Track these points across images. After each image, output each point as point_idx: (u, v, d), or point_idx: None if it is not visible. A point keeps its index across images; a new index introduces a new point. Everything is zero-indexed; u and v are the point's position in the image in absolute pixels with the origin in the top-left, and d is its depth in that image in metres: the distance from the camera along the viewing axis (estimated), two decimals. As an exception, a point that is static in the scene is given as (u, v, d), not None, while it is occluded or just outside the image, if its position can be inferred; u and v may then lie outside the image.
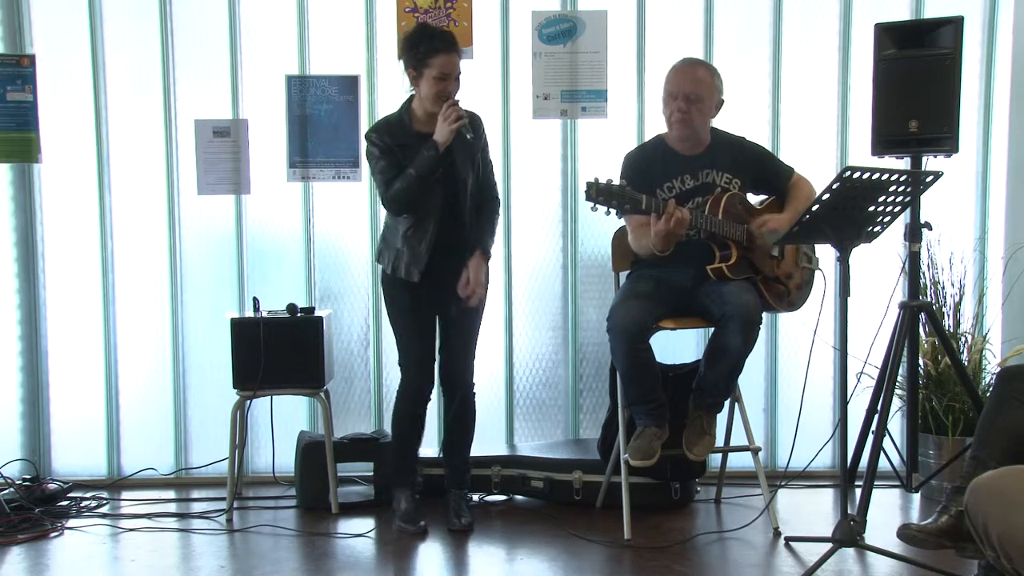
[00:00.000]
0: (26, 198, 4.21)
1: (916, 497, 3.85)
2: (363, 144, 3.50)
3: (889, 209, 3.03)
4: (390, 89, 4.03)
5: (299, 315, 3.81)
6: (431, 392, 3.56)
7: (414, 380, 3.54)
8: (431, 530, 3.53)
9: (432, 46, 3.30)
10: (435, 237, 3.38)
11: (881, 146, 3.41)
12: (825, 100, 4.23)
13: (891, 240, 3.54)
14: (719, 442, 3.59)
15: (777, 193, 3.61)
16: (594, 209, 3.13)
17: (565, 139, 4.24)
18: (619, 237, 3.67)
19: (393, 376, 3.80)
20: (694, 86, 3.42)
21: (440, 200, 3.38)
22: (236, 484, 3.87)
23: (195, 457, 4.28)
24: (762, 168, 3.60)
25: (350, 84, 4.17)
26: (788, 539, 3.36)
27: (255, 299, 3.87)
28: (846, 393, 3.13)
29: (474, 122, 3.45)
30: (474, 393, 3.61)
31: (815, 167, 3.85)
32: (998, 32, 4.18)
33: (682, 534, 3.46)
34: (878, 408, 3.37)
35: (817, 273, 3.63)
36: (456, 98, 3.33)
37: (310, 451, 3.83)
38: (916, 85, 3.31)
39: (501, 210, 4.16)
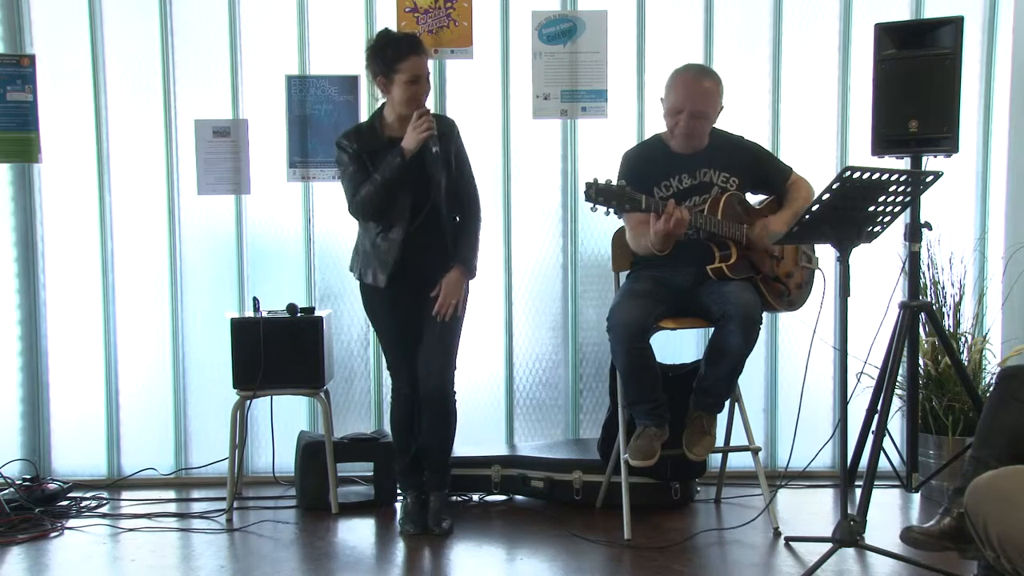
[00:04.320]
0: (26, 198, 4.21)
1: (916, 497, 3.85)
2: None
3: (889, 209, 3.03)
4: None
5: (299, 315, 3.81)
6: (421, 392, 3.55)
7: (403, 387, 3.55)
8: (428, 531, 3.52)
9: (399, 50, 3.30)
10: (403, 242, 3.37)
11: (881, 146, 3.41)
12: (825, 100, 4.23)
13: (891, 240, 3.54)
14: (719, 442, 3.59)
15: (775, 192, 3.61)
16: (594, 209, 3.13)
17: (565, 139, 4.25)
18: (619, 237, 3.67)
19: (393, 376, 3.80)
20: (701, 103, 3.41)
21: (408, 205, 3.36)
22: (236, 484, 3.87)
23: (195, 457, 4.28)
24: (760, 167, 3.60)
25: (350, 84, 4.17)
26: (788, 539, 3.36)
27: (255, 299, 3.87)
28: (846, 393, 3.13)
29: (447, 127, 3.45)
30: (455, 401, 3.56)
31: (815, 167, 3.85)
32: (998, 32, 4.18)
33: (682, 534, 3.46)
34: (878, 408, 3.37)
35: (817, 273, 3.63)
36: (427, 106, 3.32)
37: (310, 451, 3.83)
38: (916, 85, 3.31)
39: (500, 210, 4.21)
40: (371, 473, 3.93)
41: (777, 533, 3.43)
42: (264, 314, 3.82)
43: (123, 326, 4.26)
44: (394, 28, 4.07)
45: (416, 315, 3.47)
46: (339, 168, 3.45)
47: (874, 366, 3.52)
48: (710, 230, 3.34)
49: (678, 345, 4.06)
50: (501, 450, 4.06)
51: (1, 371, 4.23)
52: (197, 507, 3.86)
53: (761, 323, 3.34)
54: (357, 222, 3.51)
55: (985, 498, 2.27)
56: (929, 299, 3.89)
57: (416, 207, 3.38)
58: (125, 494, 4.08)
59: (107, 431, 4.27)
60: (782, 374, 4.28)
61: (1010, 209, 4.24)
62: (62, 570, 3.24)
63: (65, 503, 3.84)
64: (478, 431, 4.24)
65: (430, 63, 3.50)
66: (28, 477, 3.91)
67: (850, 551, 3.15)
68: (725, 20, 4.21)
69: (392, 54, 3.31)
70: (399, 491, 3.75)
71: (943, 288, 4.00)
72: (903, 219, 3.32)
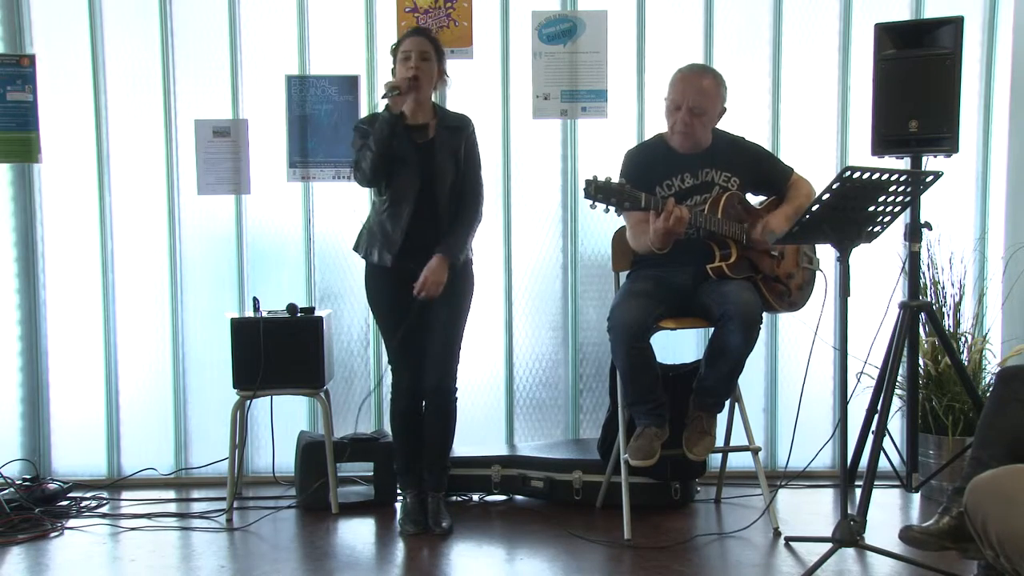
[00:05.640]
0: (26, 198, 4.21)
1: (916, 497, 3.85)
2: None
3: (889, 209, 3.03)
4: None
5: (299, 315, 3.81)
6: (422, 389, 3.56)
7: (403, 380, 3.55)
8: (428, 531, 3.52)
9: (404, 34, 3.52)
10: (409, 223, 3.40)
11: (881, 146, 3.41)
12: (825, 100, 4.23)
13: (891, 240, 3.54)
14: (719, 442, 3.59)
15: (776, 193, 3.61)
16: (593, 207, 3.13)
17: (565, 139, 4.25)
18: (619, 237, 3.67)
19: (393, 376, 3.80)
20: (699, 98, 3.41)
21: (416, 186, 3.40)
22: (236, 484, 3.87)
23: (195, 457, 4.28)
24: (761, 167, 3.60)
25: (350, 84, 4.17)
26: (788, 539, 3.36)
27: (255, 299, 3.87)
28: (846, 393, 3.13)
29: (461, 123, 3.51)
30: (456, 399, 3.57)
31: (815, 167, 3.85)
32: (998, 32, 4.19)
33: (682, 534, 3.46)
34: (878, 408, 3.38)
35: (818, 273, 3.63)
36: (415, 72, 3.36)
37: (310, 451, 3.83)
38: (916, 85, 3.31)
39: (500, 210, 4.21)
40: (371, 473, 3.93)
41: (777, 533, 3.43)
42: (264, 314, 3.81)
43: (123, 326, 4.26)
44: (394, 28, 4.11)
45: (417, 309, 3.47)
46: (352, 148, 3.48)
47: (874, 366, 3.52)
48: (710, 229, 3.34)
49: (678, 345, 4.06)
50: (501, 450, 4.06)
51: (1, 371, 4.23)
52: (197, 507, 3.86)
53: (761, 323, 3.34)
54: (369, 208, 3.56)
55: (985, 497, 2.27)
56: (929, 299, 3.89)
57: (422, 192, 3.41)
58: (125, 494, 4.07)
59: (107, 431, 4.27)
60: (782, 374, 4.28)
61: (1010, 209, 4.24)
62: (62, 570, 3.24)
63: (65, 503, 3.84)
64: (478, 431, 4.24)
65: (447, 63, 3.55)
66: (28, 477, 3.91)
67: (850, 551, 3.15)
68: (725, 20, 4.21)
69: (398, 40, 3.50)
70: (399, 491, 3.75)
71: (943, 288, 4.00)
72: (903, 219, 3.32)
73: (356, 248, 3.59)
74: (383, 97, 3.33)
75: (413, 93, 3.37)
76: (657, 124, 3.71)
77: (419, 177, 3.41)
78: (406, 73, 3.37)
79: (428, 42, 3.44)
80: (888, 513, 3.69)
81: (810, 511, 3.75)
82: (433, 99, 3.56)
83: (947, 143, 3.32)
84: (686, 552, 3.29)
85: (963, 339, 3.97)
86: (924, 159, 3.39)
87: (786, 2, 4.20)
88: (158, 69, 4.18)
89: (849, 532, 2.97)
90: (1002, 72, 4.21)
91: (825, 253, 3.45)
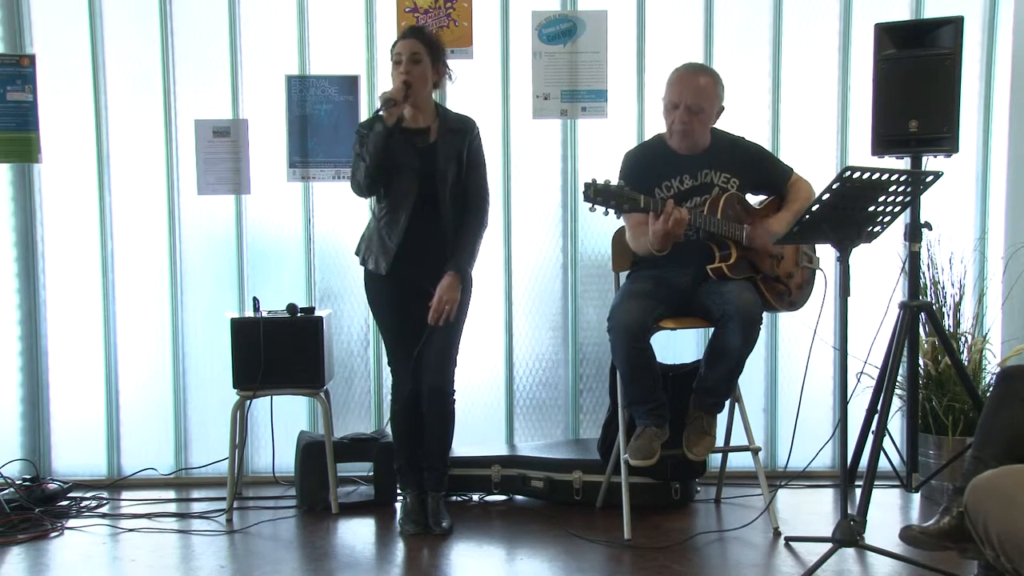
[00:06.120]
0: (26, 198, 4.21)
1: (916, 497, 3.85)
2: None
3: (889, 209, 3.03)
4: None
5: (299, 315, 3.81)
6: (421, 391, 3.55)
7: (404, 382, 3.55)
8: (428, 531, 3.52)
9: (396, 41, 3.47)
10: (407, 229, 3.40)
11: (881, 146, 3.41)
12: (825, 100, 4.23)
13: (891, 240, 3.54)
14: (719, 442, 3.59)
15: (776, 193, 3.61)
16: (592, 209, 3.14)
17: (565, 139, 4.25)
18: (619, 237, 3.67)
19: (393, 376, 3.80)
20: (696, 97, 3.41)
21: (415, 191, 3.40)
22: (236, 484, 3.87)
23: (195, 457, 4.28)
24: (761, 168, 3.60)
25: (350, 84, 4.17)
26: (788, 539, 3.36)
27: (255, 299, 3.87)
28: (846, 393, 3.13)
29: (465, 125, 3.50)
30: (453, 400, 3.56)
31: (815, 167, 3.86)
32: (998, 32, 4.19)
33: (682, 534, 3.46)
34: (878, 408, 3.37)
35: (817, 273, 3.63)
36: (406, 78, 3.34)
37: (310, 451, 3.83)
38: (916, 85, 3.32)
39: (500, 210, 4.21)
40: (371, 473, 3.93)
41: (777, 533, 3.43)
42: (264, 314, 3.81)
43: (123, 326, 4.26)
44: (394, 28, 4.11)
45: (417, 311, 3.46)
46: (352, 151, 3.46)
47: (874, 366, 3.52)
48: (709, 230, 3.34)
49: (678, 345, 4.06)
50: (501, 450, 4.06)
51: (1, 371, 4.23)
52: (197, 507, 3.86)
53: (761, 323, 3.34)
54: (369, 215, 3.55)
55: (985, 497, 2.27)
56: (929, 299, 3.89)
57: (421, 196, 3.40)
58: (125, 494, 4.08)
59: (107, 431, 4.27)
60: (782, 374, 4.28)
61: (1010, 209, 4.24)
62: (62, 570, 3.24)
63: (65, 503, 3.84)
64: (478, 431, 4.24)
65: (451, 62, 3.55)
66: (28, 477, 3.91)
67: (850, 551, 3.15)
68: (725, 20, 4.21)
69: (393, 44, 3.45)
70: (399, 491, 3.75)
71: (943, 288, 4.00)
72: (903, 219, 3.32)
73: (357, 252, 3.60)
74: (378, 111, 3.31)
75: (410, 99, 3.36)
76: (657, 124, 3.71)
77: (419, 182, 3.40)
78: (397, 79, 3.35)
79: (419, 43, 3.40)
80: (888, 513, 3.69)
81: (810, 511, 3.75)
82: (435, 98, 3.56)
83: (947, 143, 3.32)
84: (686, 552, 3.29)
85: (963, 339, 3.97)
86: (924, 159, 3.39)
87: (786, 2, 4.20)
88: (158, 69, 4.18)
89: (849, 532, 2.97)
90: (1002, 72, 4.21)
91: (825, 253, 3.45)
